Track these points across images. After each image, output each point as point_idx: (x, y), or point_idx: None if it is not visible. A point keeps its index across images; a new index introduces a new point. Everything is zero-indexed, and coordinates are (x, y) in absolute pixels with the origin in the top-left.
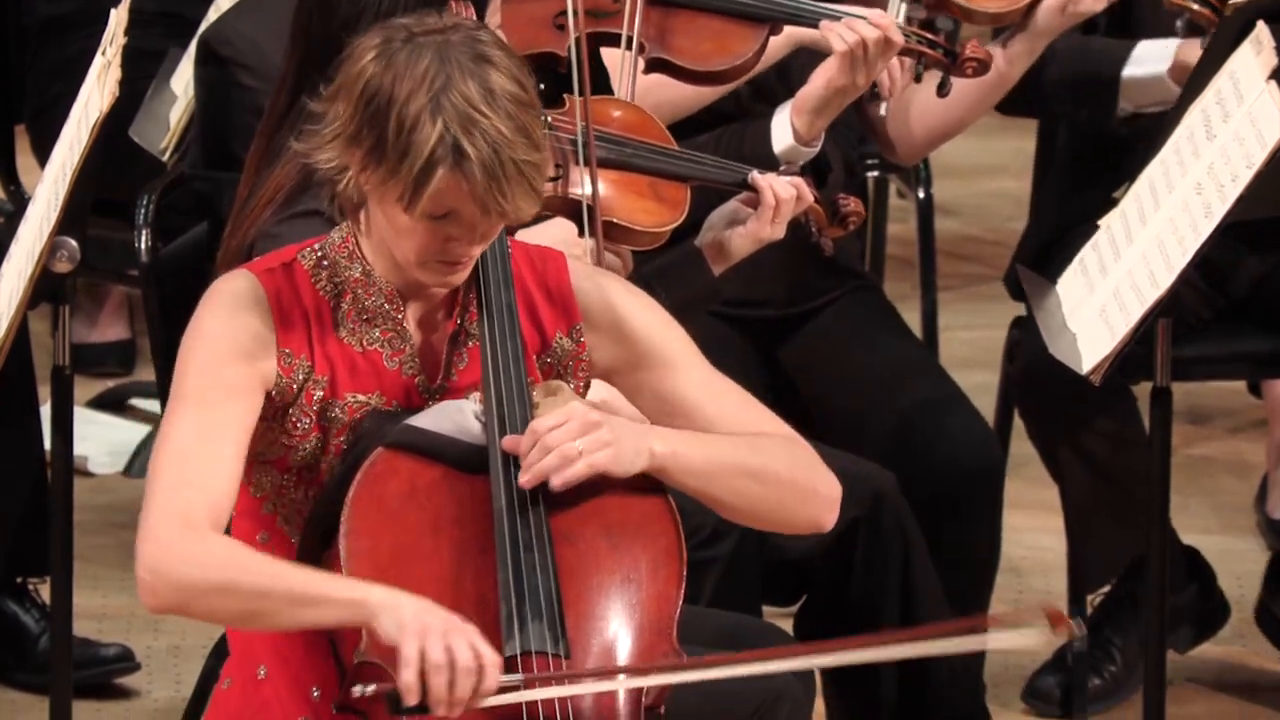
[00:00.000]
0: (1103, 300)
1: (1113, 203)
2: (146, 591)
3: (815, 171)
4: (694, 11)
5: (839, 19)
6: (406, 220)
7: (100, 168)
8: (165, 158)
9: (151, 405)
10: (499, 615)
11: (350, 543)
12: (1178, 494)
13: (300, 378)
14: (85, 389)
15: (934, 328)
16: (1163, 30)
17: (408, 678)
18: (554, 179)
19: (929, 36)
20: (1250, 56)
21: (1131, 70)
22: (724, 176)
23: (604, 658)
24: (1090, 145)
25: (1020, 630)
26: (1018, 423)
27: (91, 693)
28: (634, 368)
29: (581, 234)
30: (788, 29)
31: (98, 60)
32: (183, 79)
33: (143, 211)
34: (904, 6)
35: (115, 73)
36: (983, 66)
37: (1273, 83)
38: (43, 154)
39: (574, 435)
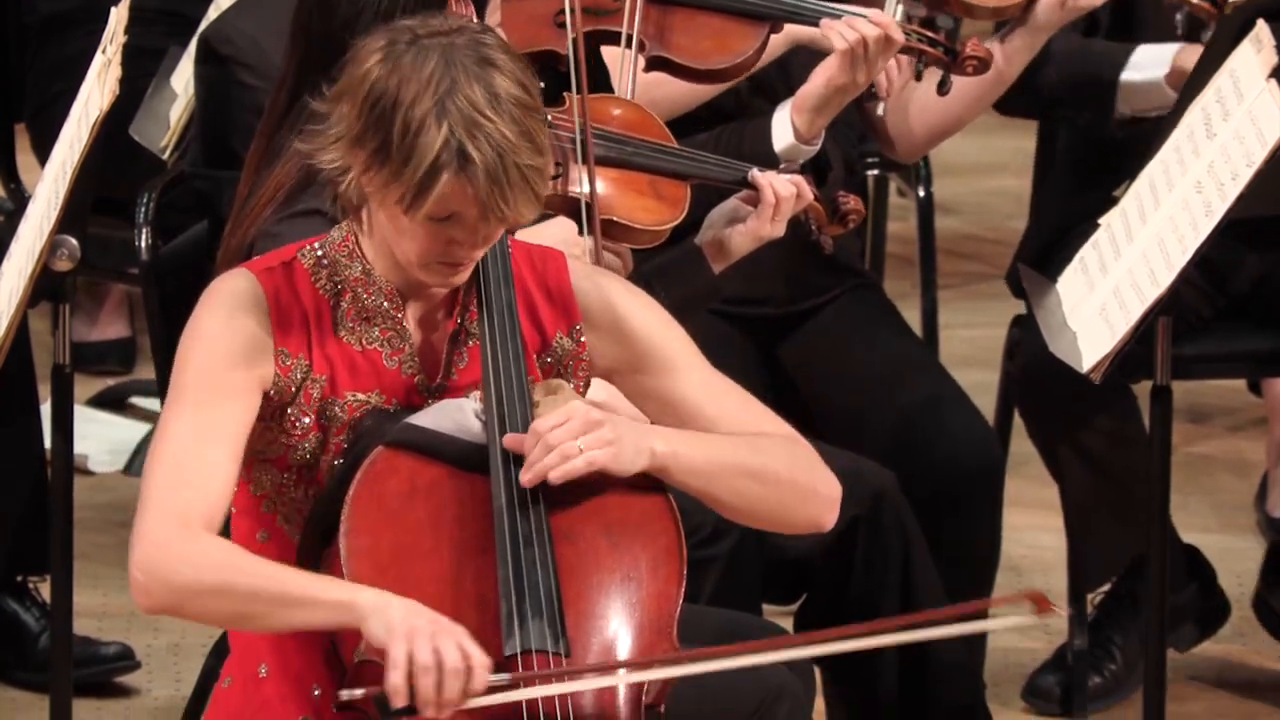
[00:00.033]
0: (1103, 298)
1: (1113, 202)
2: (139, 592)
3: (815, 170)
4: (694, 9)
5: (839, 17)
6: (408, 222)
7: (100, 166)
8: (165, 156)
9: (152, 403)
10: (499, 614)
11: (350, 541)
12: (1177, 492)
13: (298, 377)
14: (85, 387)
15: (934, 326)
16: (1165, 30)
17: (395, 680)
18: (554, 177)
19: (929, 35)
20: (1250, 55)
21: (1129, 75)
22: (724, 174)
23: (604, 656)
24: (1090, 147)
25: (1004, 616)
26: (1017, 421)
27: (92, 691)
28: (634, 368)
29: (581, 232)
30: (788, 27)
31: (98, 58)
32: (183, 77)
33: (143, 210)
34: (900, 6)
35: (115, 71)
36: (983, 65)
37: (1273, 81)
38: (43, 152)
39: (575, 434)
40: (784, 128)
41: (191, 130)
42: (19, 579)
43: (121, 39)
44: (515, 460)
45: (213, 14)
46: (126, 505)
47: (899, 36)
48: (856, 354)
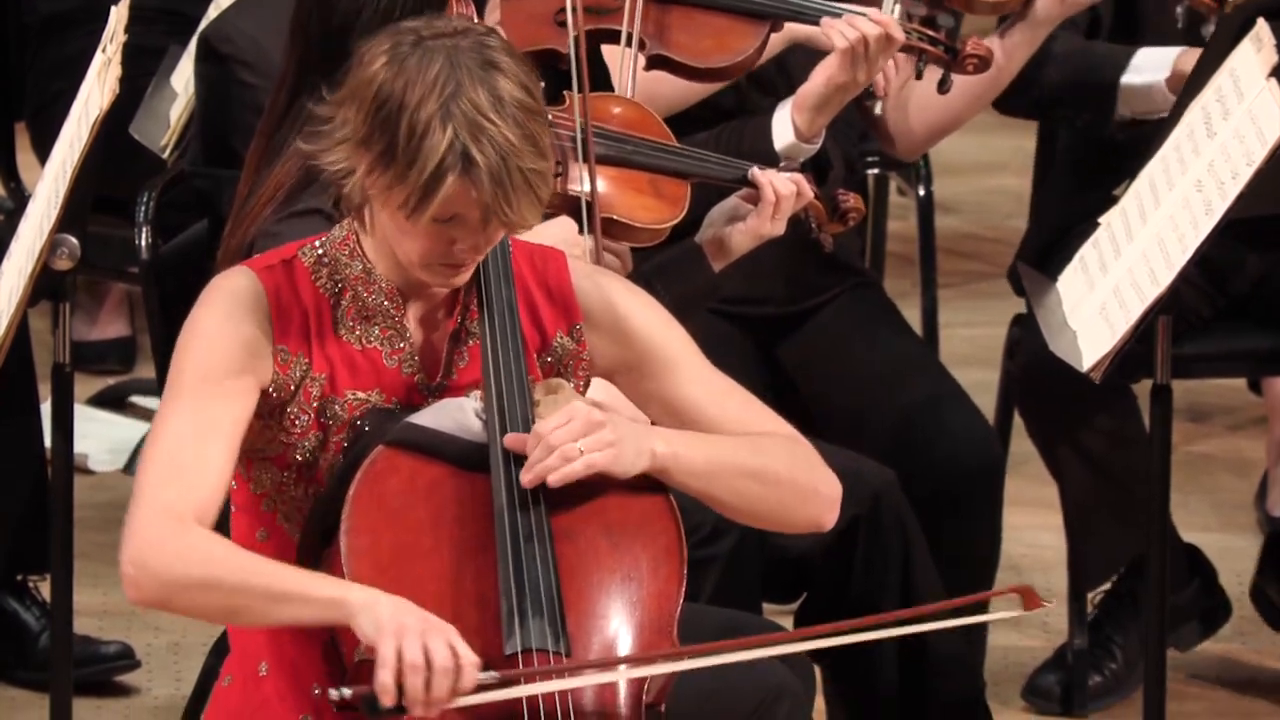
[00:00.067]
0: (1103, 298)
1: (1114, 201)
2: (129, 585)
3: (816, 168)
4: (694, 8)
5: (840, 15)
6: (411, 223)
7: (101, 165)
8: (165, 155)
9: (152, 403)
10: (499, 613)
11: (350, 540)
12: (1177, 492)
13: (298, 375)
14: (85, 386)
15: (934, 325)
16: (1167, 29)
17: (383, 678)
18: (554, 175)
19: (929, 33)
20: (1250, 54)
21: (1130, 78)
22: (724, 173)
23: (604, 655)
24: (1091, 147)
25: (991, 610)
26: (1017, 420)
27: (92, 690)
28: (634, 368)
29: (581, 231)
30: (787, 25)
31: (98, 57)
32: (183, 76)
33: (143, 209)
34: (899, 5)
35: (115, 70)
36: (984, 63)
37: (1273, 80)
38: (43, 151)
39: (576, 435)
40: (784, 126)
41: (191, 129)
42: (19, 578)
43: (121, 38)
44: (516, 460)
45: (213, 13)
46: (126, 504)
47: (899, 35)
48: (857, 353)
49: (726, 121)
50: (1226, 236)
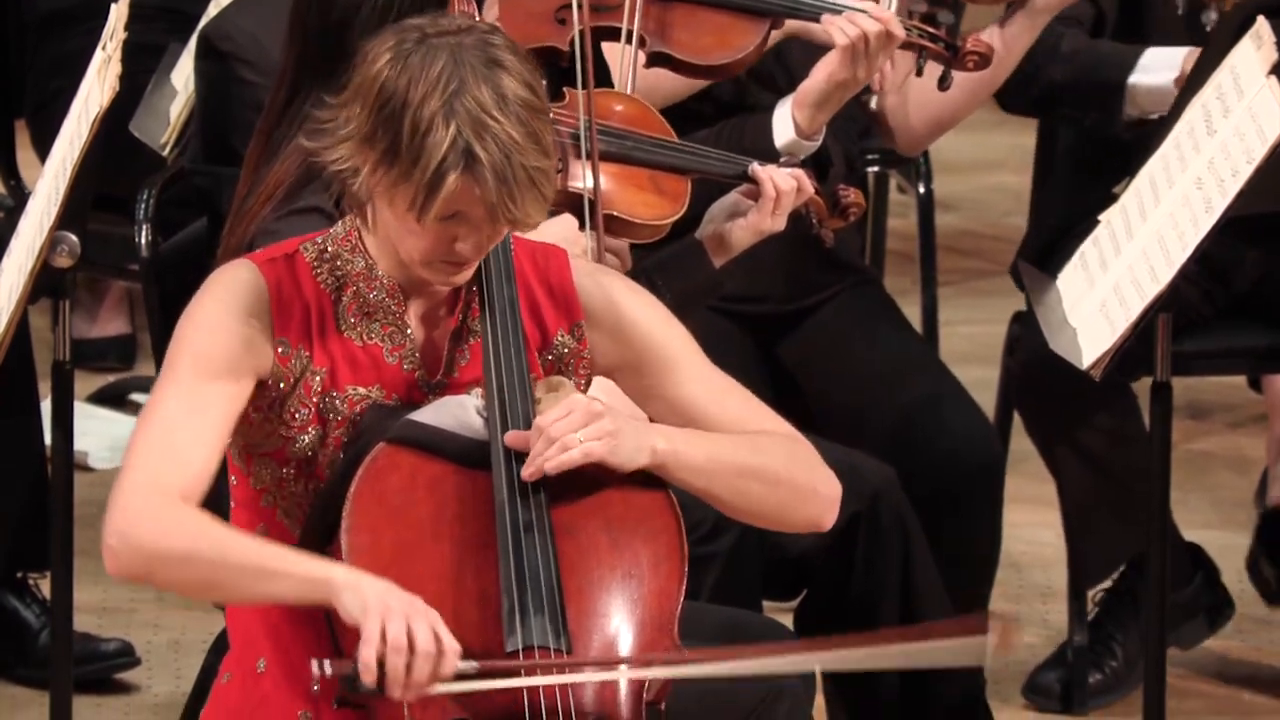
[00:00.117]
0: (1103, 295)
1: (1114, 198)
2: (110, 555)
3: (816, 166)
4: (695, 5)
5: (840, 12)
6: (414, 220)
7: (100, 163)
8: (165, 153)
9: None
10: (500, 610)
11: (352, 538)
12: (1177, 489)
13: (298, 368)
14: (85, 384)
15: (934, 323)
16: (1170, 26)
17: (366, 655)
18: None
19: (930, 30)
20: (1251, 51)
21: (1139, 78)
22: (724, 169)
23: (605, 653)
24: (1094, 147)
25: (964, 642)
26: (1018, 418)
27: (92, 688)
28: (635, 366)
29: (582, 227)
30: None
31: (98, 55)
32: (183, 74)
33: (143, 206)
34: (895, 1)
35: (115, 67)
36: (984, 60)
37: (1273, 78)
38: (43, 149)
39: (576, 426)
40: (785, 123)
41: (191, 127)
42: (19, 575)
43: (121, 35)
44: (517, 456)
45: (213, 10)
46: None
47: (900, 32)
48: (857, 351)
49: (726, 115)
50: (1226, 234)
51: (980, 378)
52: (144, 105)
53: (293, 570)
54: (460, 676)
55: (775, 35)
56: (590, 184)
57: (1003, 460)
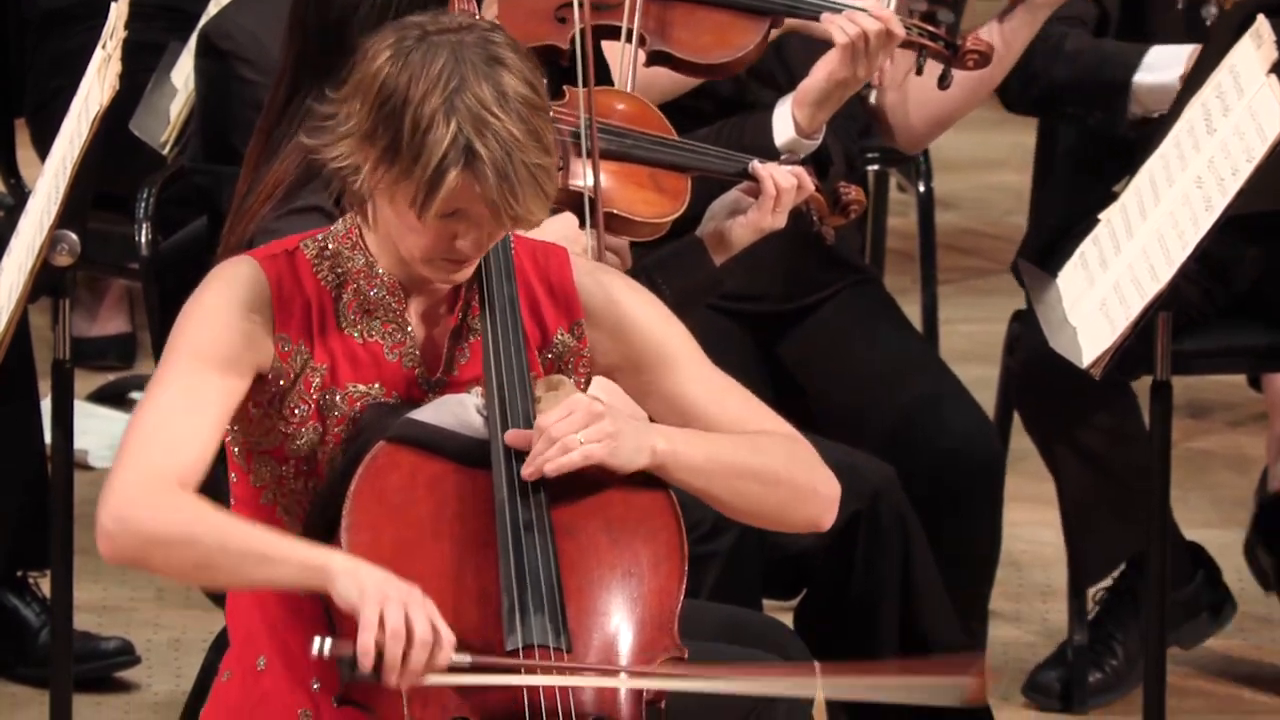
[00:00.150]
0: (1103, 294)
1: (1114, 197)
2: (105, 538)
3: (816, 164)
4: (694, 4)
5: (840, 11)
6: (415, 218)
7: (100, 161)
8: (165, 151)
9: None
10: (500, 609)
11: (352, 536)
12: (1177, 488)
13: (298, 364)
14: (85, 382)
15: (934, 321)
16: (1175, 26)
17: (366, 640)
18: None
19: (930, 29)
20: (1250, 50)
21: (1143, 76)
22: (724, 166)
23: (605, 652)
24: (1097, 146)
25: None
26: (1018, 417)
27: (92, 686)
28: (635, 365)
29: (582, 225)
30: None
31: (98, 54)
32: (183, 72)
33: (143, 205)
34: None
35: (115, 66)
36: (984, 59)
37: (1273, 76)
38: (43, 147)
39: (577, 426)
40: (785, 122)
41: (192, 125)
42: (19, 574)
43: (121, 34)
44: (517, 455)
45: (213, 9)
46: None
47: (899, 31)
48: (857, 350)
49: (726, 112)
50: (1227, 232)
51: (980, 376)
52: (144, 104)
53: (290, 556)
54: (455, 669)
55: (774, 32)
56: (590, 182)
57: (1003, 459)
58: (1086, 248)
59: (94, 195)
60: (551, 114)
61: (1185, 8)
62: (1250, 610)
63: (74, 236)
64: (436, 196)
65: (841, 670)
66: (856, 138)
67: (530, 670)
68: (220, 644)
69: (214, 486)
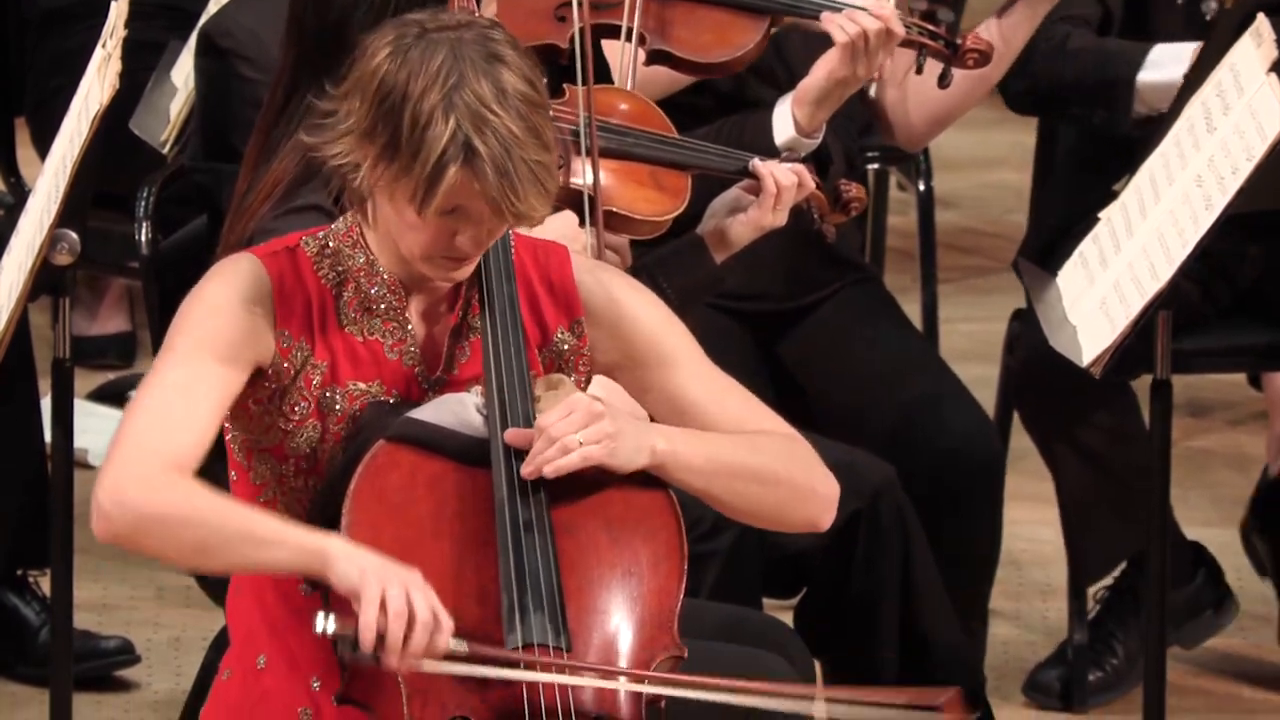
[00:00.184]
0: (1103, 293)
1: (1114, 196)
2: (101, 517)
3: (816, 163)
4: (694, 3)
5: (840, 10)
6: (415, 215)
7: (100, 160)
8: (165, 150)
9: None
10: (500, 608)
11: (351, 535)
12: (1177, 487)
13: (298, 361)
14: (85, 381)
15: (934, 320)
16: (1177, 25)
17: (368, 617)
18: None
19: (930, 28)
20: (1250, 49)
21: (1148, 75)
22: (725, 164)
23: (605, 651)
24: (1099, 145)
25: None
26: (1018, 416)
27: (92, 685)
28: (635, 364)
29: (582, 224)
30: None
31: (98, 53)
32: (183, 71)
33: (143, 204)
34: None
35: (115, 65)
36: (984, 58)
37: (1273, 75)
38: (43, 146)
39: (577, 426)
40: (785, 121)
41: (192, 124)
42: (19, 573)
43: (122, 33)
44: (517, 454)
45: (213, 8)
46: None
47: (899, 30)
48: (857, 349)
49: (725, 108)
50: (1228, 230)
51: (980, 375)
52: (144, 103)
53: (288, 539)
54: (453, 658)
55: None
56: (590, 180)
57: (1003, 458)
58: (1086, 246)
59: (94, 194)
60: (551, 112)
61: (1185, 3)
62: (1251, 609)
63: (74, 235)
64: (436, 193)
65: (856, 693)
66: (856, 136)
67: (530, 666)
68: (220, 643)
69: (214, 485)
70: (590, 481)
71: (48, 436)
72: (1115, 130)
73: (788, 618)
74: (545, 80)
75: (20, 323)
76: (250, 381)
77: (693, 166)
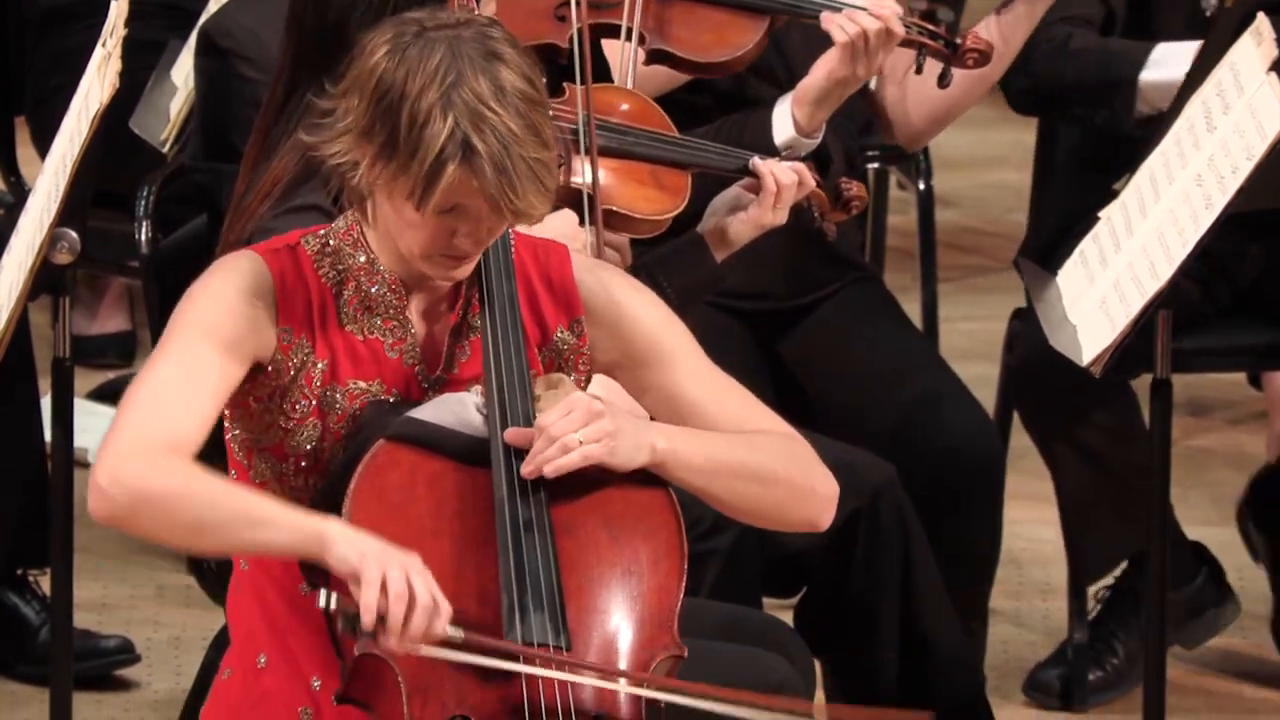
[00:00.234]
0: (1103, 292)
1: (1114, 195)
2: (98, 495)
3: (816, 163)
4: (694, 3)
5: (839, 10)
6: (415, 214)
7: (100, 159)
8: (165, 149)
9: None
10: (500, 607)
11: None
12: (1177, 486)
13: (299, 359)
14: (85, 380)
15: (934, 319)
16: (1180, 27)
17: (369, 597)
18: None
19: (929, 27)
20: (1250, 48)
21: (1150, 74)
22: (725, 163)
23: (605, 650)
24: (1101, 145)
25: None
26: (1017, 415)
27: (92, 684)
28: (635, 363)
29: (582, 223)
30: None
31: (98, 52)
32: (183, 70)
33: (143, 203)
34: None
35: (115, 64)
36: (984, 58)
37: (1273, 74)
38: (43, 145)
39: (577, 425)
40: (784, 121)
41: (191, 123)
42: (19, 572)
43: (121, 32)
44: (517, 454)
45: (213, 7)
46: None
47: (899, 30)
48: (857, 350)
49: (725, 107)
50: (1227, 230)
51: (980, 374)
52: (144, 102)
53: (285, 520)
54: (447, 643)
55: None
56: (590, 179)
57: (1003, 457)
58: (1087, 246)
59: (94, 193)
60: (550, 111)
61: (1188, 2)
62: (1251, 609)
63: (74, 234)
64: (434, 191)
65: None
66: (856, 136)
67: (530, 660)
68: (220, 642)
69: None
70: (590, 480)
71: (48, 436)
72: (1118, 130)
73: (788, 617)
74: (544, 79)
75: (20, 322)
76: (251, 377)
77: (693, 165)
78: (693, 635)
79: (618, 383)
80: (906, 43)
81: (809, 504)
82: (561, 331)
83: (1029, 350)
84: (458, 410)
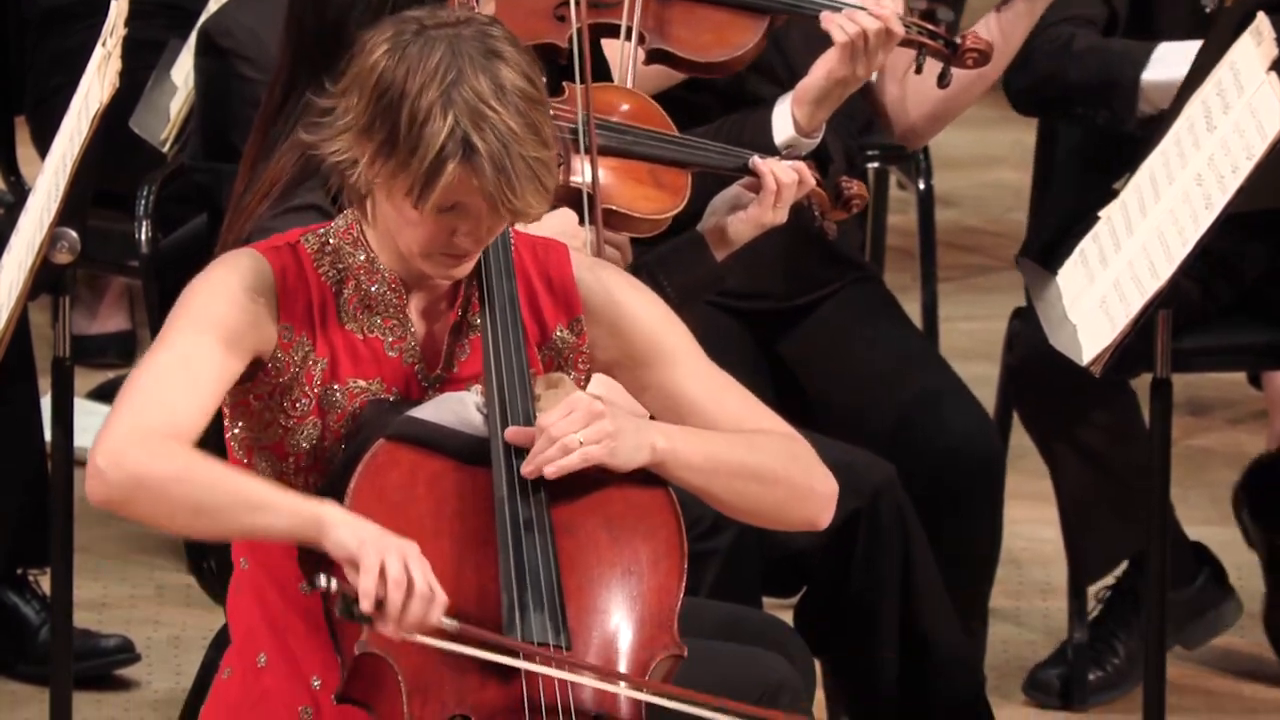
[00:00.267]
0: (1103, 291)
1: (1114, 195)
2: (95, 478)
3: (817, 162)
4: (693, 2)
5: (839, 10)
6: (414, 212)
7: (100, 159)
8: (165, 149)
9: None
10: (499, 607)
11: None
12: (1177, 485)
13: (299, 356)
14: (85, 380)
15: (934, 319)
16: (1182, 26)
17: (367, 584)
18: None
19: (929, 27)
20: (1250, 47)
21: (1152, 73)
22: (725, 162)
23: (605, 650)
24: (1103, 145)
25: None
26: (1017, 414)
27: (92, 684)
28: (634, 362)
29: (581, 222)
30: None
31: (98, 51)
32: (183, 70)
33: (143, 203)
34: None
35: (115, 64)
36: (983, 58)
37: (1273, 74)
38: (43, 145)
39: (578, 426)
40: (784, 120)
41: (191, 123)
42: (19, 572)
43: (122, 32)
44: (517, 453)
45: (213, 7)
46: None
47: (899, 29)
48: (857, 349)
49: (724, 105)
50: (1227, 230)
51: (980, 374)
52: (144, 101)
53: (283, 505)
54: (441, 632)
55: None
56: (589, 178)
57: (1003, 457)
58: (1087, 245)
59: (94, 193)
60: (550, 110)
61: (1189, 1)
62: (1252, 609)
63: (74, 234)
64: (434, 189)
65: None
66: (856, 135)
67: (529, 656)
68: (221, 641)
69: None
70: (590, 480)
71: (48, 435)
72: (1119, 130)
73: (788, 617)
74: (544, 78)
75: (20, 321)
76: (251, 374)
77: (693, 164)
78: (693, 635)
79: (617, 382)
80: (906, 42)
81: (809, 503)
82: (561, 330)
83: (1029, 350)
84: (458, 409)
